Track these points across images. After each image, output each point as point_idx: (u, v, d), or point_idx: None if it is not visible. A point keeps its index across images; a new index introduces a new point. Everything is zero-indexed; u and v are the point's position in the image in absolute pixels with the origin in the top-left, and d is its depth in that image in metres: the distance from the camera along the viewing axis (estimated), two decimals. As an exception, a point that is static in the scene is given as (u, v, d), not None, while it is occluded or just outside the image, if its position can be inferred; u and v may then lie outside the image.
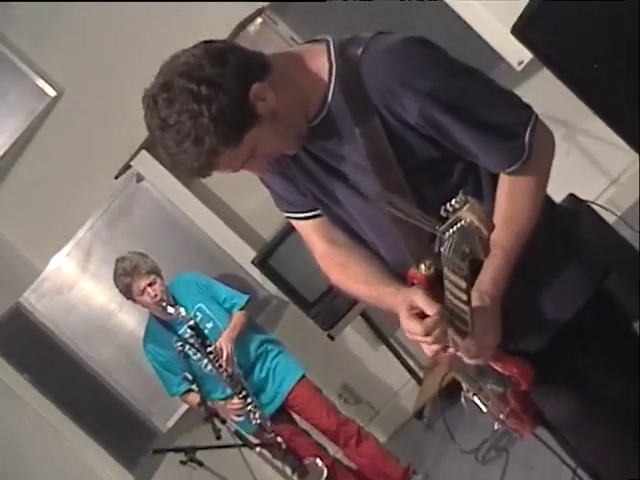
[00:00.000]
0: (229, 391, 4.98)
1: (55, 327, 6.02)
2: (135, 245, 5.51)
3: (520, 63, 5.24)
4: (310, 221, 2.28)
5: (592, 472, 2.40)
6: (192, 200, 5.93)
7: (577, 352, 2.15)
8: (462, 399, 2.34)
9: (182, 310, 4.83)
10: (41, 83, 5.90)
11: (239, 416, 5.02)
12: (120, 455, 5.98)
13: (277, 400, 5.16)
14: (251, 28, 5.73)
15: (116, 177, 5.90)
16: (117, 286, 5.10)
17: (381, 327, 6.00)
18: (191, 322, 4.75)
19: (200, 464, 4.35)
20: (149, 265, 5.06)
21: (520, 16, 3.33)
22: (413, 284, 2.01)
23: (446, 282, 1.82)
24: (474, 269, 1.85)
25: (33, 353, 6.03)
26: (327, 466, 5.00)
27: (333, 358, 6.12)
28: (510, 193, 2.02)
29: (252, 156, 2.00)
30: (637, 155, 3.54)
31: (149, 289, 4.98)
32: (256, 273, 5.80)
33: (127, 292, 5.06)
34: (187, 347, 4.82)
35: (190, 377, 4.70)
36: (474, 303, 1.89)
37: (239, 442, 4.57)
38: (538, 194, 2.05)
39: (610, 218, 4.21)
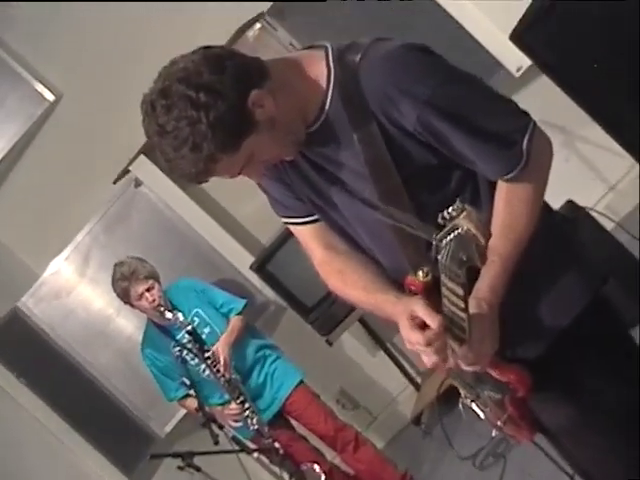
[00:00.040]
0: (227, 396, 4.98)
1: (53, 332, 6.02)
2: (133, 250, 5.51)
3: (519, 69, 5.25)
4: (308, 226, 2.27)
5: (589, 479, 2.40)
6: (190, 205, 5.93)
7: (575, 359, 2.15)
8: (460, 405, 2.34)
9: (180, 315, 4.83)
10: (40, 88, 5.91)
11: (237, 421, 5.02)
12: (118, 460, 5.97)
13: (275, 405, 5.16)
14: (250, 33, 5.73)
15: (114, 182, 5.91)
16: (115, 291, 5.10)
17: (379, 333, 6.00)
18: (189, 327, 4.75)
19: (197, 469, 4.35)
20: (147, 270, 5.06)
21: (519, 23, 3.34)
22: (410, 291, 2.00)
23: (443, 289, 1.81)
24: (471, 276, 1.85)
25: (31, 358, 6.03)
26: (325, 472, 5.00)
27: (331, 364, 6.12)
28: (508, 200, 2.02)
29: (250, 162, 2.00)
30: (635, 161, 3.55)
31: (147, 294, 4.98)
32: (254, 278, 5.80)
33: (125, 297, 5.06)
34: (185, 352, 4.82)
35: (188, 382, 4.70)
36: (471, 310, 1.89)
37: (237, 448, 4.57)
38: (536, 201, 2.04)
39: (608, 224, 4.21)
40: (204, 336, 4.95)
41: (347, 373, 6.34)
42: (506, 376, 2.11)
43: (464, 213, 1.61)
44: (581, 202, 4.15)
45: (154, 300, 4.96)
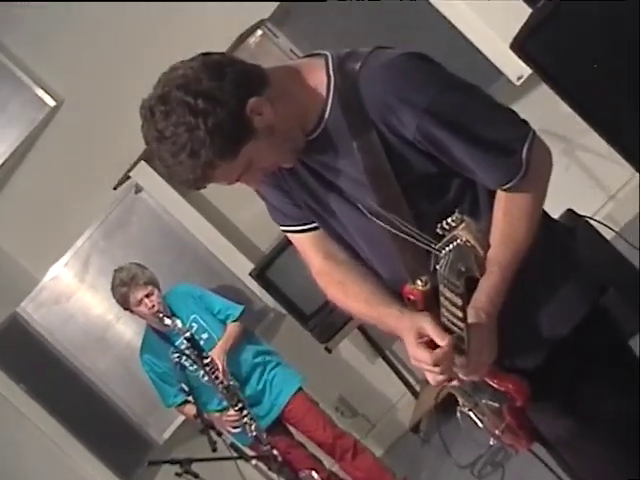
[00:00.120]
0: (225, 403, 4.97)
1: (52, 337, 6.01)
2: (133, 256, 5.51)
3: (519, 78, 5.25)
4: (306, 234, 2.27)
5: (588, 489, 2.40)
6: (190, 211, 5.93)
7: (574, 369, 2.14)
8: (458, 414, 2.33)
9: (178, 322, 4.83)
10: (41, 93, 5.91)
11: (235, 428, 5.01)
12: (116, 466, 5.97)
13: (273, 412, 5.15)
14: (251, 40, 5.74)
15: (115, 188, 5.91)
16: (114, 296, 5.09)
17: (378, 340, 6.00)
18: (187, 334, 4.74)
19: (196, 476, 4.33)
20: (147, 276, 5.05)
21: (519, 31, 3.35)
22: (409, 300, 2.00)
23: (442, 299, 1.81)
24: (470, 286, 1.85)
25: (30, 363, 6.03)
26: (323, 479, 4.99)
27: (330, 371, 6.11)
28: (507, 210, 2.01)
29: (248, 169, 2.00)
30: (635, 170, 3.55)
31: (146, 300, 4.98)
32: (253, 285, 5.79)
33: (124, 303, 5.06)
34: (183, 358, 4.81)
35: (186, 388, 4.69)
36: (470, 320, 1.88)
37: (235, 454, 4.55)
38: (535, 211, 2.04)
39: (608, 234, 4.20)
40: (202, 342, 4.94)
41: (346, 380, 6.33)
42: (504, 386, 2.10)
43: (463, 224, 1.62)
44: (581, 211, 4.14)
45: (153, 306, 4.96)
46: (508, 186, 1.99)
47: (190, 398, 4.75)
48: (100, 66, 5.80)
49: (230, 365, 4.99)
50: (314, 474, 4.96)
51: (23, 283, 6.08)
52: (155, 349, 5.10)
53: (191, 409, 4.82)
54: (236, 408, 4.92)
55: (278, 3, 5.66)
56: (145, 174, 5.75)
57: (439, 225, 1.64)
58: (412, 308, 2.00)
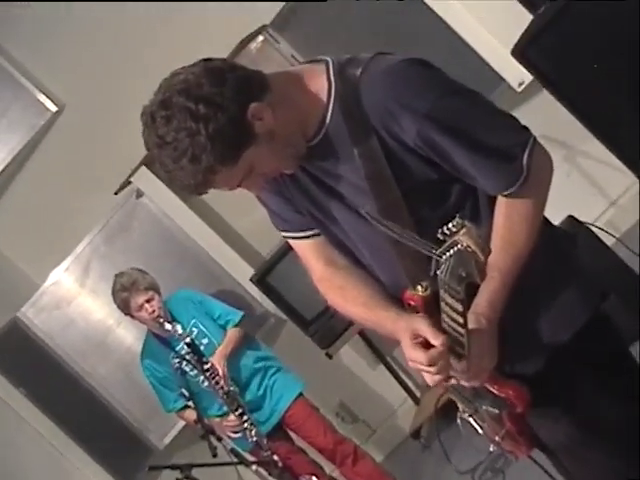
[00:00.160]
0: (225, 408, 4.97)
1: (53, 342, 6.02)
2: (133, 261, 5.51)
3: (520, 84, 5.26)
4: (307, 241, 2.27)
5: (588, 496, 2.39)
6: (191, 217, 5.93)
7: (574, 375, 2.14)
8: (458, 420, 2.33)
9: (179, 327, 4.82)
10: (42, 98, 5.91)
11: (235, 433, 5.00)
12: (116, 471, 5.98)
13: (274, 418, 5.15)
14: (253, 45, 5.74)
15: (116, 193, 5.91)
16: (115, 301, 5.09)
17: (379, 346, 5.99)
18: (188, 339, 4.74)
19: (196, 482, 4.33)
20: (147, 281, 5.05)
21: (520, 38, 3.35)
22: (409, 305, 2.00)
23: (442, 304, 1.81)
24: (471, 292, 1.85)
25: (30, 368, 6.03)
26: (323, 485, 4.99)
27: (330, 376, 6.11)
28: (508, 216, 2.01)
29: (249, 175, 2.00)
30: (636, 177, 3.54)
31: (147, 305, 4.97)
32: (254, 290, 5.80)
33: (125, 308, 5.06)
34: (184, 363, 4.81)
35: (187, 393, 4.68)
36: (470, 326, 1.88)
37: (235, 460, 4.55)
38: (536, 217, 2.04)
39: (609, 240, 4.20)
40: (202, 347, 4.94)
41: (346, 386, 6.33)
42: (504, 391, 2.10)
43: (464, 229, 1.61)
44: (582, 217, 4.14)
45: (154, 311, 4.96)
46: (509, 192, 1.99)
47: (190, 403, 4.74)
48: (102, 72, 5.81)
49: (230, 370, 4.98)
50: (314, 479, 4.95)
51: (24, 288, 6.08)
52: (156, 354, 5.10)
53: (191, 414, 4.82)
54: (236, 413, 4.92)
55: (279, 9, 5.67)
56: (146, 179, 5.75)
57: (440, 230, 1.64)
58: (413, 313, 2.00)
